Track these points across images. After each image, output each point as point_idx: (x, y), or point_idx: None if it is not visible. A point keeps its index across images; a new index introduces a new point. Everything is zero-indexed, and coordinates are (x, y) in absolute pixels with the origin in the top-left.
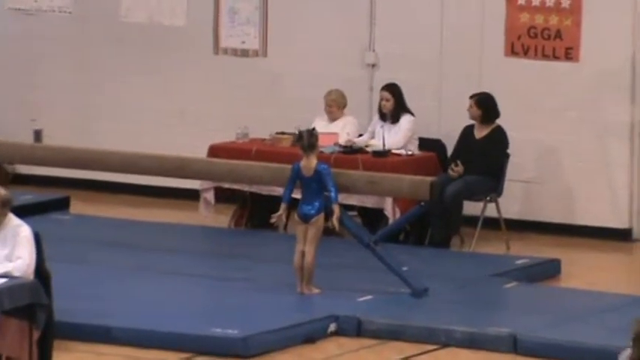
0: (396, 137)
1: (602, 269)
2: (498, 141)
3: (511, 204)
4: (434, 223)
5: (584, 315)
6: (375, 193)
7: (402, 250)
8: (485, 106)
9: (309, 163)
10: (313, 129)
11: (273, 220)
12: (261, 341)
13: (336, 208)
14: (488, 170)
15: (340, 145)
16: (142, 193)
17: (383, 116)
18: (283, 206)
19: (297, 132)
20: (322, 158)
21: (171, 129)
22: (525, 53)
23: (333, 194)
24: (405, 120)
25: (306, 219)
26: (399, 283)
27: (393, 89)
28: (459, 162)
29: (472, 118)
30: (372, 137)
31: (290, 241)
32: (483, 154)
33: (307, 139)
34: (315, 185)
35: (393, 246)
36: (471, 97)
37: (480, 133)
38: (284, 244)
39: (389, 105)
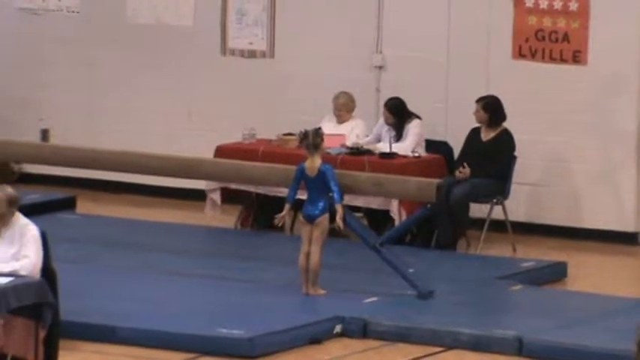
0: (404, 143)
1: (608, 272)
2: (505, 143)
3: (517, 207)
4: (440, 226)
5: (590, 318)
6: (381, 194)
7: (408, 252)
8: (492, 109)
9: (313, 164)
10: (319, 129)
11: (276, 221)
12: (266, 342)
13: (339, 209)
14: (495, 173)
15: (347, 147)
16: (148, 194)
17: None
18: (287, 207)
19: (302, 131)
20: (329, 159)
21: (178, 130)
22: (533, 56)
23: (336, 194)
24: (412, 125)
25: (310, 220)
26: (405, 285)
27: (392, 107)
28: (465, 164)
29: (479, 122)
30: (378, 140)
31: (296, 242)
32: (490, 156)
33: (312, 139)
34: (320, 186)
35: (399, 248)
36: (478, 101)
37: (486, 135)
38: (290, 245)
39: (390, 121)
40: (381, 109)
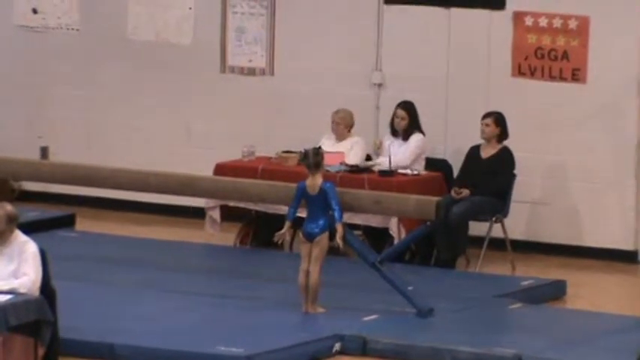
0: (404, 155)
1: (608, 291)
2: (505, 161)
3: (517, 225)
4: (439, 243)
5: (590, 337)
6: (380, 212)
7: (407, 270)
8: (503, 124)
9: (314, 182)
10: (319, 148)
11: (276, 239)
12: None
13: (339, 227)
14: (495, 191)
15: (346, 165)
16: (147, 211)
17: (394, 132)
18: (287, 224)
19: (302, 151)
20: (328, 177)
21: (178, 147)
22: (532, 74)
23: (337, 213)
24: (415, 138)
25: (310, 238)
26: (405, 302)
27: (409, 108)
28: (462, 190)
29: (487, 137)
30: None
31: (295, 260)
32: (490, 174)
33: (313, 158)
34: (320, 204)
35: (399, 266)
36: (488, 115)
37: (486, 153)
38: (289, 262)
39: (403, 123)
40: (382, 126)
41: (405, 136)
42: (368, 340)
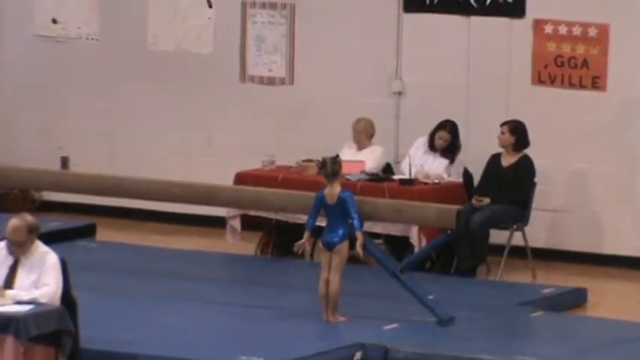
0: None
1: (629, 298)
2: (525, 169)
3: (538, 233)
4: (460, 252)
5: (611, 344)
6: (401, 221)
7: (427, 279)
8: (518, 133)
9: (332, 191)
10: (336, 156)
11: (296, 249)
12: None
13: (359, 235)
14: (515, 199)
15: (366, 173)
16: (168, 221)
17: (432, 147)
18: (306, 234)
19: (320, 160)
20: (348, 186)
21: (198, 156)
22: (552, 82)
23: (356, 221)
24: (460, 161)
25: (329, 247)
26: (425, 311)
27: (454, 130)
28: (482, 198)
29: (503, 145)
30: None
31: (316, 268)
32: (510, 182)
33: (330, 167)
34: (339, 213)
35: (419, 274)
36: (504, 124)
37: (507, 161)
38: (310, 271)
39: (445, 145)
40: (402, 135)
41: (448, 156)
42: (389, 349)
